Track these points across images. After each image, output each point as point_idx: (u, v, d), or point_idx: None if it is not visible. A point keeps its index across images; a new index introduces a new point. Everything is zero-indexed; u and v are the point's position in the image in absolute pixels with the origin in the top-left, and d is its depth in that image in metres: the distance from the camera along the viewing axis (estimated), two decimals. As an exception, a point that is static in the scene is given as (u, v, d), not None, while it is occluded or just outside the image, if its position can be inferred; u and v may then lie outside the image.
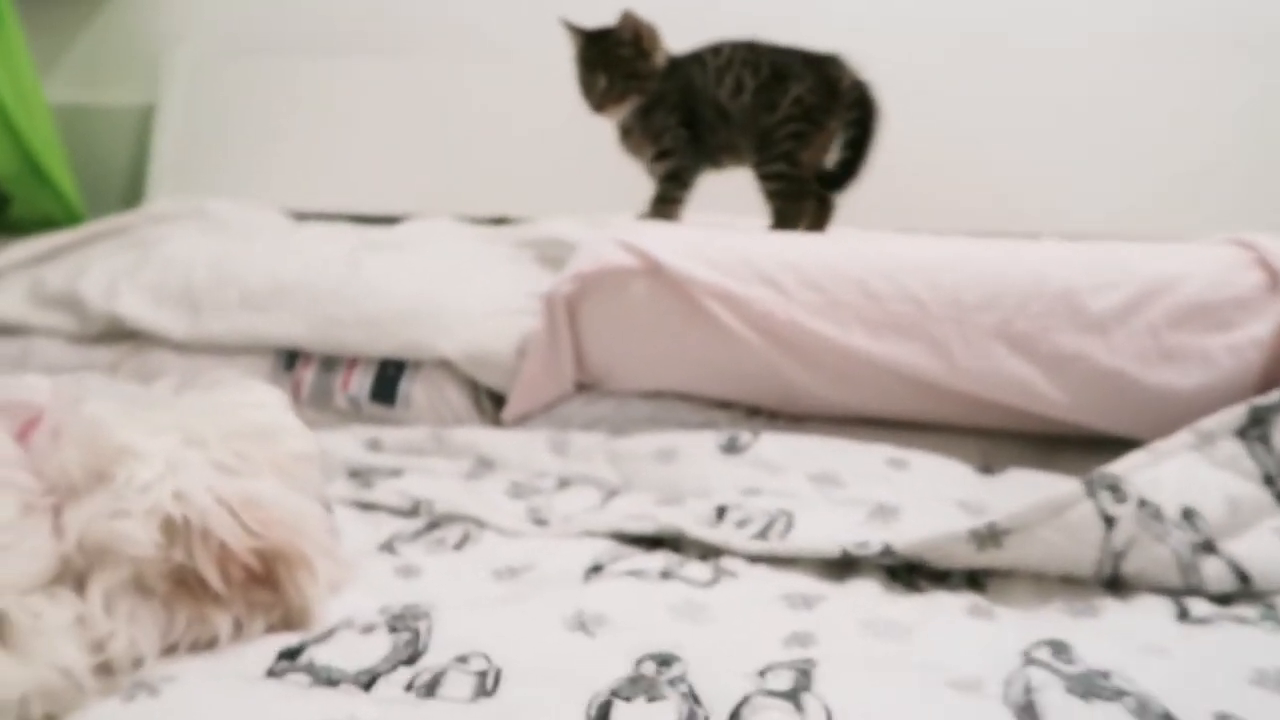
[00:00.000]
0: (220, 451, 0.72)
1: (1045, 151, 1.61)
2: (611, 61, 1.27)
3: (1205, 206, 1.54)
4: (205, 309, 1.28)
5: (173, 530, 0.65)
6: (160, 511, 0.65)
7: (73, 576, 0.64)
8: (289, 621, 0.72)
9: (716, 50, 1.29)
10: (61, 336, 1.33)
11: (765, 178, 1.26)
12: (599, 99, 1.28)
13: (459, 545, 0.92)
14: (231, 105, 1.93)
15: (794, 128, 1.23)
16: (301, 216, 1.77)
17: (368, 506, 1.02)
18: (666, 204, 1.30)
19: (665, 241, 1.16)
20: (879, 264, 1.10)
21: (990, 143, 1.62)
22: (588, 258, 1.17)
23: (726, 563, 0.85)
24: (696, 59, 1.29)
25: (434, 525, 0.97)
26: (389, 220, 1.70)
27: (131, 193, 1.97)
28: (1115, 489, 0.79)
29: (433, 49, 1.86)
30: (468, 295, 1.24)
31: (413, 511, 1.00)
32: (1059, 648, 0.69)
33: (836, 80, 1.24)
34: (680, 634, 0.72)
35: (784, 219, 1.26)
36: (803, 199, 1.26)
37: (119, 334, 1.32)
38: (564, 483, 1.07)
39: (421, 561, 0.87)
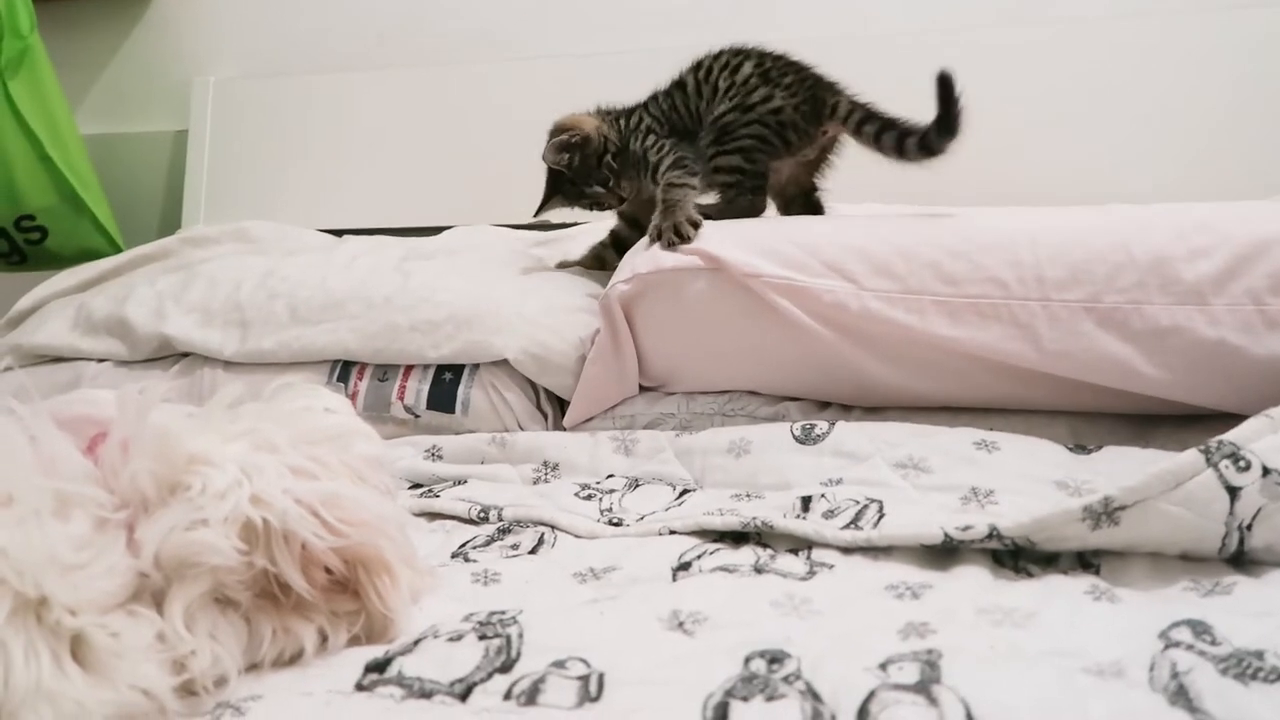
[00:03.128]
0: (293, 456, 0.68)
1: (1068, 122, 1.55)
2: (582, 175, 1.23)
3: (1223, 171, 1.48)
4: (254, 326, 1.26)
5: (253, 535, 0.62)
6: (239, 517, 0.62)
7: (150, 593, 0.61)
8: (371, 632, 0.69)
9: (697, 66, 1.24)
10: (111, 361, 1.32)
11: (718, 169, 1.19)
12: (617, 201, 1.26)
13: (534, 550, 0.89)
14: (261, 127, 1.93)
15: (759, 131, 1.17)
16: (337, 233, 1.75)
17: (434, 516, 0.99)
18: (743, 197, 1.20)
19: (724, 237, 1.12)
20: (952, 243, 1.05)
21: (1011, 115, 1.56)
22: (645, 258, 1.13)
23: (820, 555, 0.81)
24: (678, 85, 1.25)
25: (505, 531, 0.94)
26: (425, 231, 1.68)
27: (168, 218, 1.97)
28: (1236, 457, 0.74)
29: (454, 58, 1.84)
30: (524, 295, 1.20)
31: (481, 519, 0.97)
32: (1200, 628, 0.64)
33: (825, 103, 1.17)
34: (787, 629, 0.67)
35: (728, 210, 1.19)
36: (750, 196, 1.19)
37: (169, 355, 1.30)
38: (634, 483, 1.03)
39: (499, 567, 0.83)
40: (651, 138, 1.22)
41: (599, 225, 1.49)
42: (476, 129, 1.80)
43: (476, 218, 1.72)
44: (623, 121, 1.25)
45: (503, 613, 0.72)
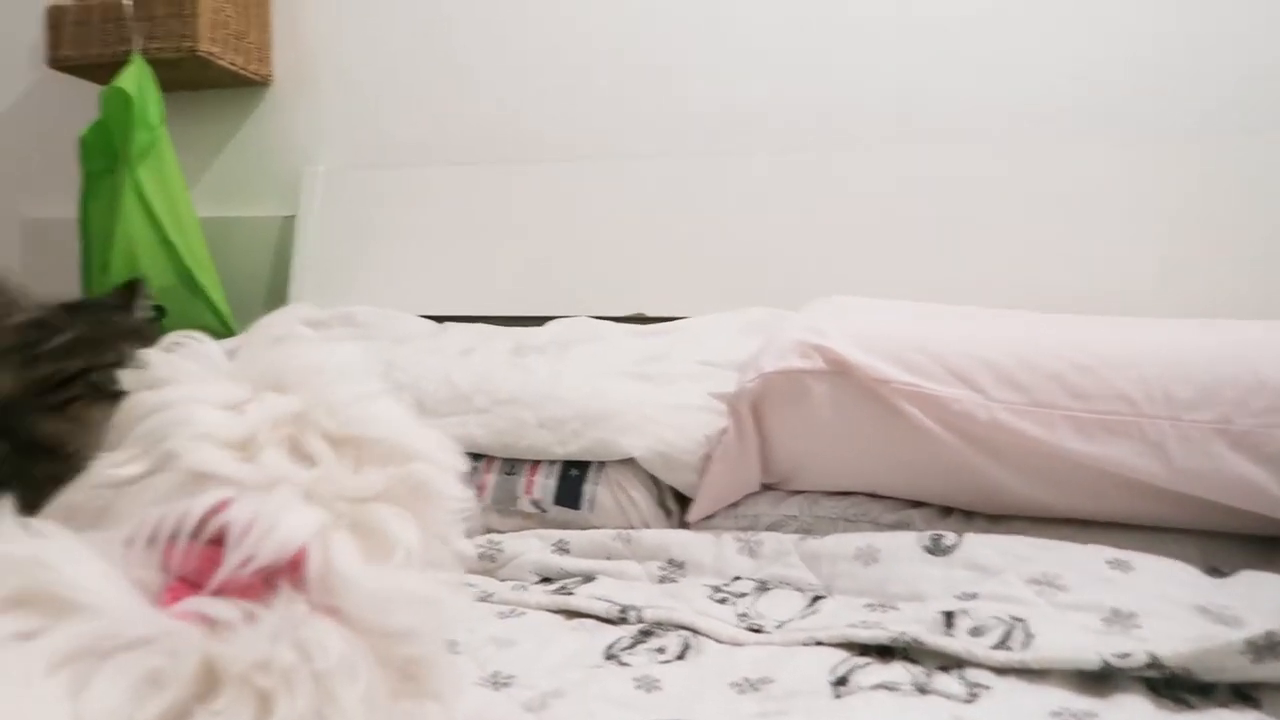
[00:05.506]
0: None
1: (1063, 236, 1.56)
2: None
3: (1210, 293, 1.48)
4: (381, 415, 1.30)
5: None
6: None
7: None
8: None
9: None
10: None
11: None
12: None
13: (681, 655, 0.91)
14: (365, 215, 2.02)
15: None
16: (437, 318, 1.81)
17: (572, 614, 1.02)
18: None
19: (852, 339, 1.15)
20: (1076, 358, 1.08)
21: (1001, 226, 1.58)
22: (772, 357, 1.17)
23: (973, 675, 0.83)
24: None
25: (647, 634, 0.96)
26: (521, 320, 1.73)
27: (274, 299, 2.04)
28: (1394, 593, 0.75)
29: (550, 156, 1.92)
30: (645, 393, 1.24)
31: (620, 619, 0.99)
32: (1381, 770, 0.65)
33: None
34: (964, 755, 0.69)
35: None
36: None
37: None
38: (763, 585, 1.05)
39: (656, 673, 0.85)
40: None
41: (703, 320, 1.54)
42: (573, 223, 1.87)
43: (571, 308, 1.77)
44: None
45: (678, 726, 0.74)
